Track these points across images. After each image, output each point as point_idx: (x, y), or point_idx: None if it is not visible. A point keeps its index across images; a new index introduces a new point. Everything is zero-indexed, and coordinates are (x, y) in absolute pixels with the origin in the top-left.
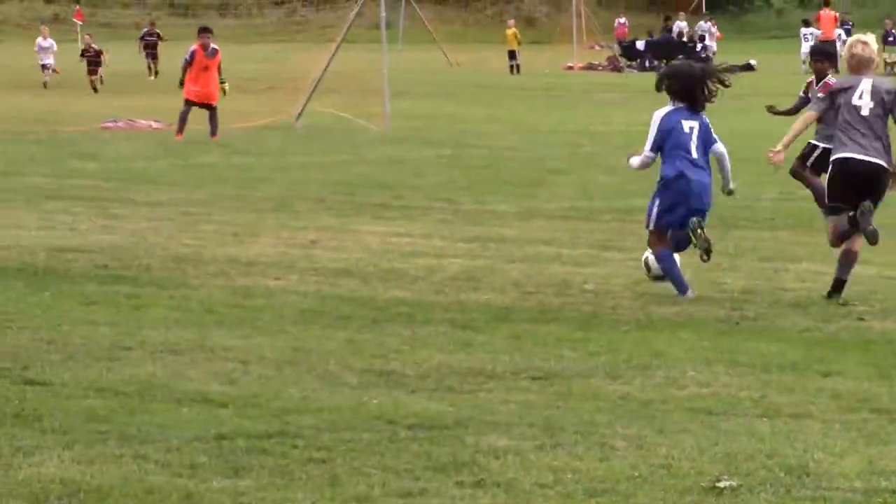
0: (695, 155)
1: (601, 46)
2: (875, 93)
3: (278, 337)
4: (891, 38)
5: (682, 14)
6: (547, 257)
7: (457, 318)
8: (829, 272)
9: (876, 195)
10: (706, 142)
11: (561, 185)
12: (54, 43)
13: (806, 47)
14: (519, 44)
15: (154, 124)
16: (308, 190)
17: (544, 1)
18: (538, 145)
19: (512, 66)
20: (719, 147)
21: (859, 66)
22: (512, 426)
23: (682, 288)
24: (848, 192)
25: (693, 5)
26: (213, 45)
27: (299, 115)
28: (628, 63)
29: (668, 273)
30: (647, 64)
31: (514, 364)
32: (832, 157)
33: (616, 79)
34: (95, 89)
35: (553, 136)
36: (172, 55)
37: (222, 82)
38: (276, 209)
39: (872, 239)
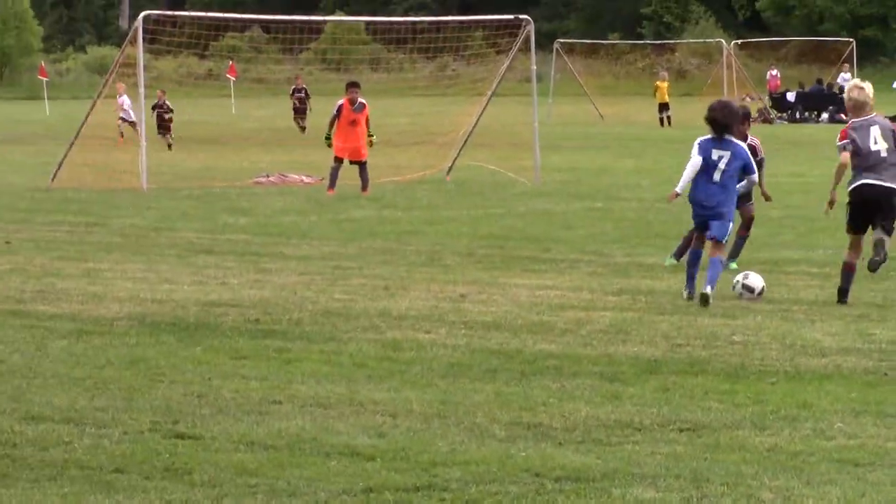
0: (716, 178)
1: (752, 98)
2: (885, 134)
3: (427, 390)
4: None
5: (846, 66)
6: (695, 309)
7: (605, 371)
8: None
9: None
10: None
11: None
12: (127, 98)
13: None
14: (669, 96)
15: (306, 179)
16: (458, 243)
17: (695, 53)
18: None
19: (662, 119)
20: (753, 177)
21: (855, 108)
22: (658, 478)
23: (688, 285)
24: (861, 217)
25: (844, 57)
26: (360, 100)
27: (450, 168)
28: (779, 115)
29: (687, 267)
30: (797, 115)
31: (661, 416)
32: (849, 188)
33: (767, 130)
34: (170, 146)
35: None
36: (320, 111)
37: (370, 136)
38: (426, 263)
39: (873, 269)
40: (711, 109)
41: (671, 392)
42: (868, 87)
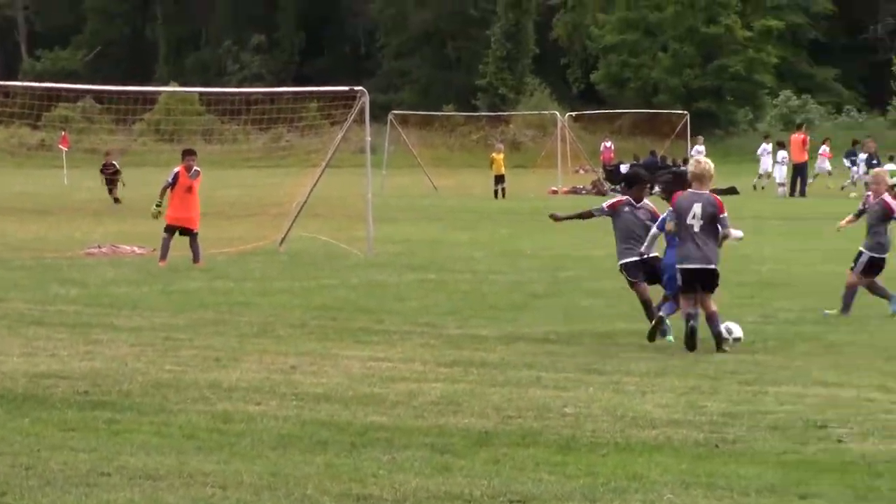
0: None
1: (586, 170)
2: (704, 211)
3: (257, 461)
4: (875, 161)
5: (700, 138)
6: (528, 381)
7: (436, 443)
8: (810, 395)
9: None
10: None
11: (543, 309)
12: None
13: (778, 170)
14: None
15: (137, 250)
16: (290, 315)
17: (530, 125)
18: (521, 269)
19: (496, 191)
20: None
21: (696, 178)
22: None
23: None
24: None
25: (678, 130)
26: (196, 167)
27: (283, 239)
28: (612, 187)
29: None
30: None
31: (492, 488)
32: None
33: (600, 202)
34: (117, 199)
35: (536, 260)
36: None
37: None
38: (258, 334)
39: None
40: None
41: (502, 464)
42: (708, 161)
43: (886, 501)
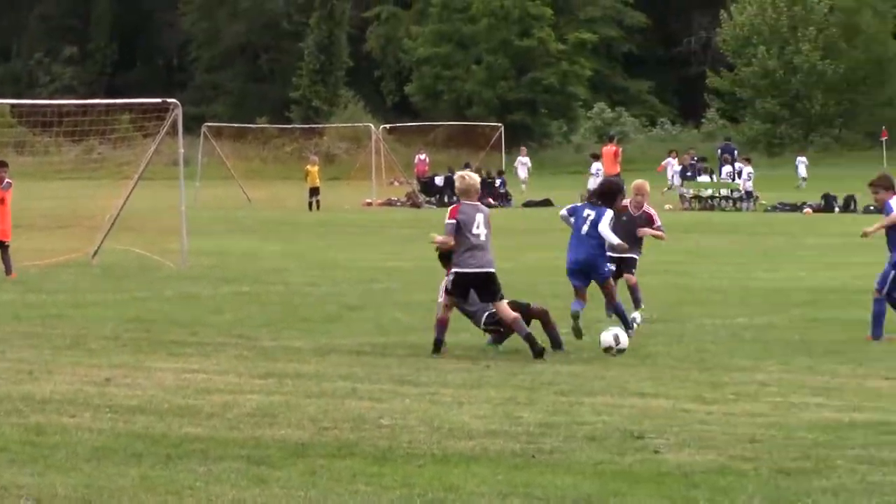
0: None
1: (400, 182)
2: (486, 222)
3: (71, 474)
4: (689, 174)
5: (523, 149)
6: (343, 393)
7: (252, 454)
8: (626, 405)
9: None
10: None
11: (357, 321)
12: None
13: (592, 182)
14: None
15: None
16: (103, 327)
17: (344, 137)
18: (335, 281)
19: (311, 203)
20: None
21: (463, 193)
22: None
23: None
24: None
25: (492, 142)
26: (7, 179)
27: (95, 252)
28: (427, 199)
29: None
30: (446, 199)
31: (308, 500)
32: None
33: (414, 214)
34: None
35: (350, 272)
36: None
37: None
38: (71, 346)
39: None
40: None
41: (318, 475)
42: (474, 175)
43: None
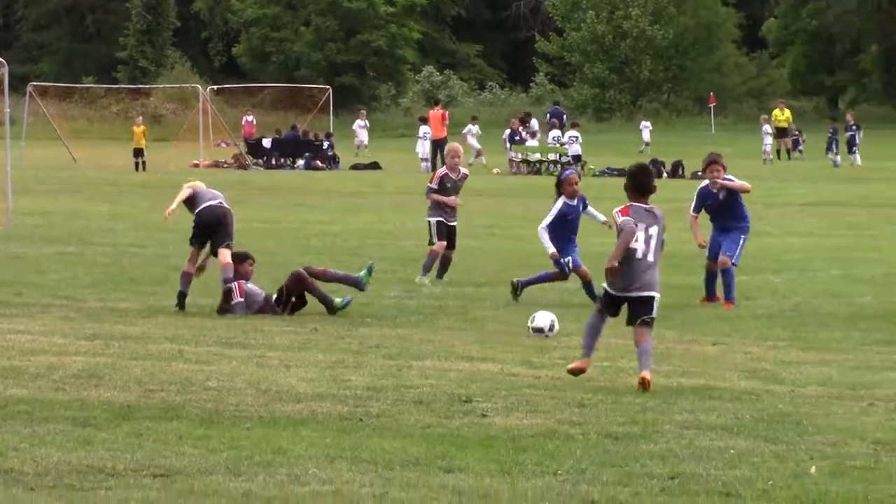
0: None
1: (227, 144)
2: None
3: None
4: (517, 138)
5: (363, 113)
6: (170, 355)
7: (77, 416)
8: (454, 369)
9: None
10: None
11: None
12: None
13: (420, 145)
14: (145, 140)
15: None
16: None
17: (171, 98)
18: (163, 243)
19: (137, 163)
20: None
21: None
22: None
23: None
24: None
25: (320, 105)
26: None
27: None
28: (255, 161)
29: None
30: (273, 162)
31: (135, 461)
32: None
33: (241, 176)
34: None
35: (177, 233)
36: None
37: None
38: None
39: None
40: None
41: (144, 437)
42: None
43: (530, 475)
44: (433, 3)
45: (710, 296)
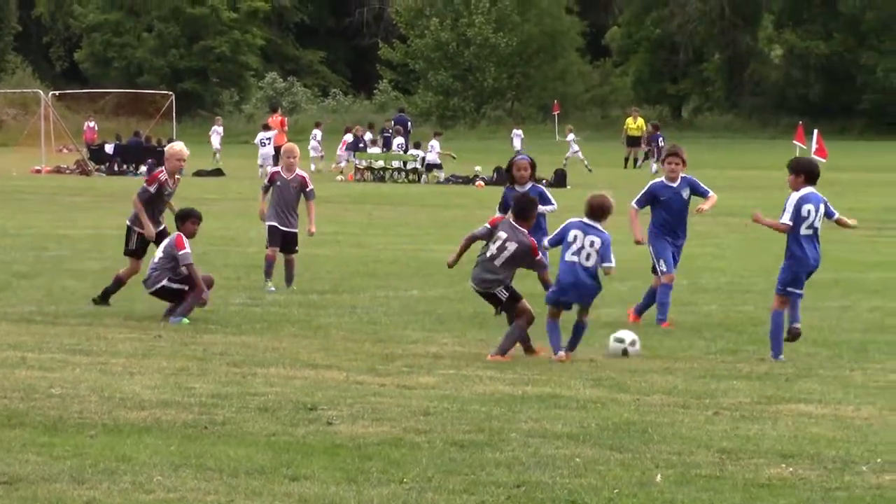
0: None
1: (70, 150)
2: None
3: None
4: (361, 145)
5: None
6: (13, 362)
7: None
8: (299, 377)
9: None
10: None
11: (27, 289)
12: None
13: (263, 151)
14: None
15: None
16: None
17: (12, 103)
18: (4, 249)
19: None
20: None
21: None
22: None
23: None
24: None
25: (163, 111)
26: None
27: None
28: (97, 167)
29: None
30: (116, 168)
31: None
32: None
33: (84, 182)
34: None
35: (19, 239)
36: None
37: None
38: None
39: None
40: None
41: None
42: None
43: (376, 483)
44: (276, 10)
45: (639, 313)
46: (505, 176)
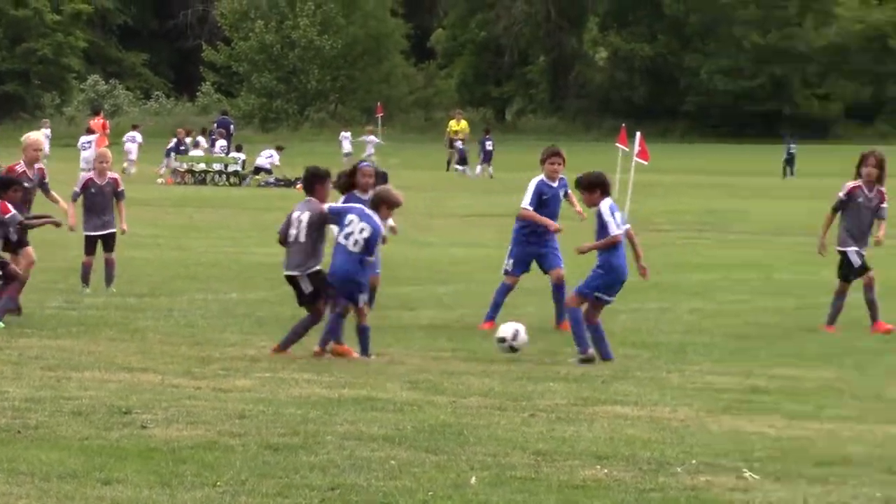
0: None
1: None
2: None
3: None
4: (182, 147)
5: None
6: None
7: None
8: (114, 380)
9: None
10: None
11: None
12: None
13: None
14: None
15: None
16: None
17: None
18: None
19: None
20: None
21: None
22: None
23: None
24: None
25: None
26: None
27: None
28: None
29: None
30: None
31: None
32: None
33: None
34: None
35: None
36: None
37: None
38: None
39: None
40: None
41: None
42: None
43: (190, 487)
44: (100, 12)
45: (493, 318)
46: (345, 181)
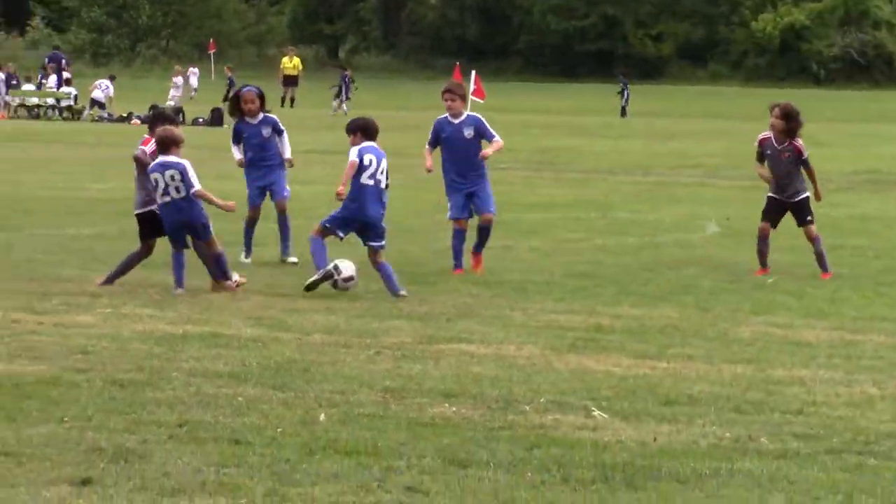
0: None
1: None
2: None
3: None
4: (14, 82)
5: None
6: None
7: None
8: None
9: None
10: None
11: None
12: None
13: None
14: None
15: None
16: None
17: None
18: None
19: None
20: None
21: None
22: None
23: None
24: None
25: None
26: None
27: None
28: None
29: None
30: None
31: None
32: None
33: None
34: None
35: None
36: None
37: None
38: None
39: None
40: None
41: None
42: None
43: (35, 422)
44: None
45: (459, 265)
46: (232, 109)
